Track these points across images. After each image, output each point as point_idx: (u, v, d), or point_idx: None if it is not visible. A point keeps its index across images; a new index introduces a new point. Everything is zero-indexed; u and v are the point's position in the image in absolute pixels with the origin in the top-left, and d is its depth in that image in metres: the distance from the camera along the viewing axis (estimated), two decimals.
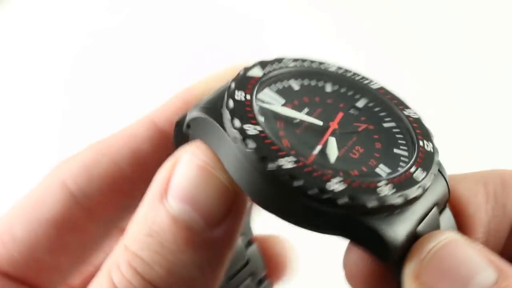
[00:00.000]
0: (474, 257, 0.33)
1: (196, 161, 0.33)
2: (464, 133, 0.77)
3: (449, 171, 0.37)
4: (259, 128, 0.33)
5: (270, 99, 0.36)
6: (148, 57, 0.87)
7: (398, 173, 0.34)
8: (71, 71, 0.86)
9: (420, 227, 0.34)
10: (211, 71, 0.40)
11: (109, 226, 0.41)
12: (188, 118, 0.36)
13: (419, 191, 0.34)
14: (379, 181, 0.34)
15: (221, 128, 0.34)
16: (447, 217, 0.36)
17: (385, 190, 0.33)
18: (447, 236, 0.33)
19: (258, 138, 0.33)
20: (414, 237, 0.34)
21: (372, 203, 0.33)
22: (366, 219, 0.33)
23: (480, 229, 0.38)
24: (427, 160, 0.35)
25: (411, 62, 0.85)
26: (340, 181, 0.33)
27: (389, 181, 0.34)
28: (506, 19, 0.89)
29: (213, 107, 0.35)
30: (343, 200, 0.32)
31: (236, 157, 0.34)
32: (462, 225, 0.38)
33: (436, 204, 0.35)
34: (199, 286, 0.33)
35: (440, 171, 0.36)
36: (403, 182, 0.34)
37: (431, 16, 0.90)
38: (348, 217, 0.33)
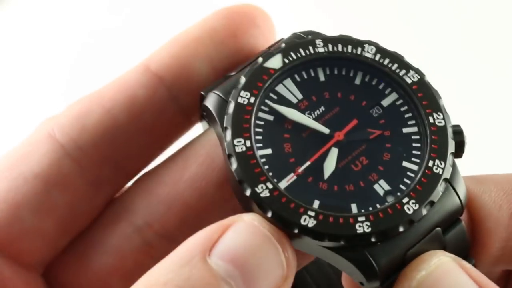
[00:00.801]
0: (464, 284, 0.31)
1: (262, 230, 0.31)
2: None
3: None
4: (248, 144, 0.33)
5: (286, 94, 0.35)
6: None
7: (386, 204, 0.33)
8: (71, 71, 0.86)
9: (413, 250, 0.33)
10: (204, 16, 0.38)
11: (100, 188, 0.37)
12: (205, 103, 0.35)
13: (403, 227, 0.33)
14: (359, 216, 0.32)
15: (220, 132, 0.34)
16: (456, 234, 0.34)
17: (360, 228, 0.32)
18: (436, 261, 0.32)
19: (243, 157, 0.33)
20: (401, 262, 0.33)
21: (344, 241, 0.32)
22: (341, 250, 0.32)
23: (496, 244, 0.36)
24: (427, 186, 0.33)
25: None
26: (313, 216, 0.32)
27: (367, 218, 0.32)
28: (506, 18, 0.89)
29: (226, 98, 0.34)
30: (315, 235, 0.32)
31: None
32: (478, 238, 0.36)
33: (438, 225, 0.34)
34: None
35: (453, 186, 0.34)
36: (385, 218, 0.32)
37: (439, 14, 0.90)
38: (325, 247, 0.32)
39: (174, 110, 0.37)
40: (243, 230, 0.31)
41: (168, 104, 0.36)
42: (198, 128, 0.39)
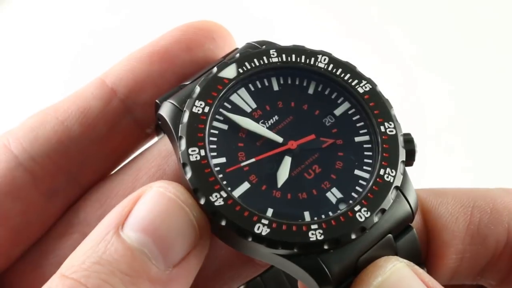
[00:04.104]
0: None
1: (167, 194, 0.32)
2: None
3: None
4: (202, 153, 0.33)
5: (241, 103, 0.36)
6: None
7: (338, 212, 0.34)
8: (71, 71, 0.86)
9: (365, 256, 0.34)
10: (168, 30, 0.39)
11: (55, 198, 0.37)
12: (159, 112, 0.35)
13: (356, 235, 0.33)
14: (312, 223, 0.33)
15: (175, 141, 0.34)
16: (407, 240, 0.35)
17: (314, 235, 0.33)
18: (390, 267, 0.32)
19: (198, 166, 0.33)
20: (354, 268, 0.33)
21: (297, 249, 0.32)
22: (294, 258, 0.33)
23: (452, 256, 0.37)
24: (379, 194, 0.34)
25: (418, 60, 0.85)
26: (267, 225, 0.32)
27: (320, 226, 0.33)
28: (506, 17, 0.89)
29: (181, 107, 0.35)
30: (269, 243, 0.32)
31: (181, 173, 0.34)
32: (434, 249, 0.37)
33: (390, 231, 0.34)
34: None
35: (403, 194, 0.35)
36: (338, 225, 0.33)
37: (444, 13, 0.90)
38: (279, 254, 0.33)
39: (128, 121, 0.37)
40: (151, 198, 0.32)
41: (122, 115, 0.37)
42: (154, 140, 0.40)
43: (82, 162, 0.37)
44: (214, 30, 0.38)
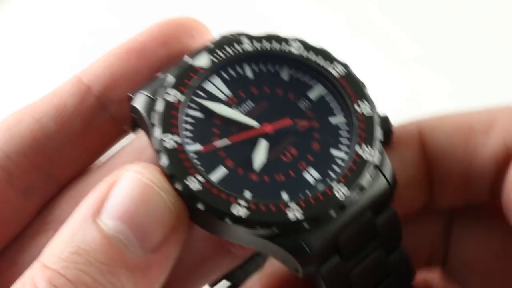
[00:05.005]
0: None
1: (141, 179, 0.32)
2: None
3: None
4: (177, 139, 0.33)
5: (215, 91, 0.36)
6: None
7: (316, 191, 0.33)
8: (71, 71, 0.86)
9: (345, 233, 0.34)
10: (146, 27, 0.39)
11: (31, 196, 0.37)
12: (132, 103, 0.35)
13: (335, 213, 0.33)
14: (290, 202, 0.33)
15: (149, 131, 0.34)
16: (387, 217, 0.35)
17: (293, 214, 0.32)
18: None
19: (173, 152, 0.33)
20: (335, 247, 0.33)
21: (276, 229, 0.32)
22: (274, 238, 0.33)
23: (454, 177, 0.38)
24: (357, 172, 0.34)
25: (420, 57, 0.85)
26: (245, 206, 0.32)
27: (299, 205, 0.33)
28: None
29: (154, 97, 0.34)
30: (247, 224, 0.32)
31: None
32: (435, 174, 0.38)
33: (369, 208, 0.34)
34: None
35: (382, 171, 0.35)
36: (316, 204, 0.33)
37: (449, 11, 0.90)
38: (258, 236, 0.33)
39: (104, 119, 0.37)
40: (126, 184, 0.31)
41: (97, 113, 0.37)
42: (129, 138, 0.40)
43: (58, 159, 0.37)
44: (192, 26, 0.38)
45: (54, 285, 0.30)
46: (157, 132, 0.33)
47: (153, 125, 0.34)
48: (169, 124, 0.33)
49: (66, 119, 0.37)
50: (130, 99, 0.36)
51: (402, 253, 0.36)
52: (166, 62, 0.37)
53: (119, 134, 0.39)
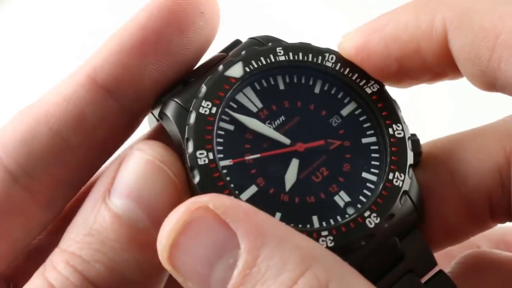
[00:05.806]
0: None
1: (144, 156, 0.32)
2: None
3: None
4: (211, 156, 0.33)
5: (247, 103, 0.35)
6: None
7: (348, 218, 0.33)
8: (72, 71, 0.86)
9: (370, 260, 0.33)
10: (151, 6, 0.35)
11: (54, 207, 0.36)
12: (163, 110, 0.34)
13: (365, 241, 0.33)
14: (322, 230, 0.32)
15: (183, 143, 0.33)
16: (413, 240, 0.34)
17: (324, 242, 0.32)
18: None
19: (206, 169, 0.32)
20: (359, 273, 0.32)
21: None
22: None
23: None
24: (388, 199, 0.34)
25: None
26: None
27: (330, 232, 0.32)
28: None
29: (186, 107, 0.34)
30: None
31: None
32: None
33: (395, 234, 0.34)
34: (139, 285, 0.32)
35: (409, 195, 0.34)
36: (347, 232, 0.32)
37: None
38: None
39: (125, 120, 0.36)
40: (129, 163, 0.32)
41: (119, 117, 0.35)
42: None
43: (80, 170, 0.36)
44: (200, 2, 0.35)
45: (72, 265, 0.31)
46: (191, 147, 0.33)
47: (186, 139, 0.33)
48: (203, 139, 0.33)
49: (88, 129, 0.34)
50: (157, 103, 0.35)
51: (442, 279, 0.35)
52: (184, 52, 0.35)
53: (133, 129, 0.37)
